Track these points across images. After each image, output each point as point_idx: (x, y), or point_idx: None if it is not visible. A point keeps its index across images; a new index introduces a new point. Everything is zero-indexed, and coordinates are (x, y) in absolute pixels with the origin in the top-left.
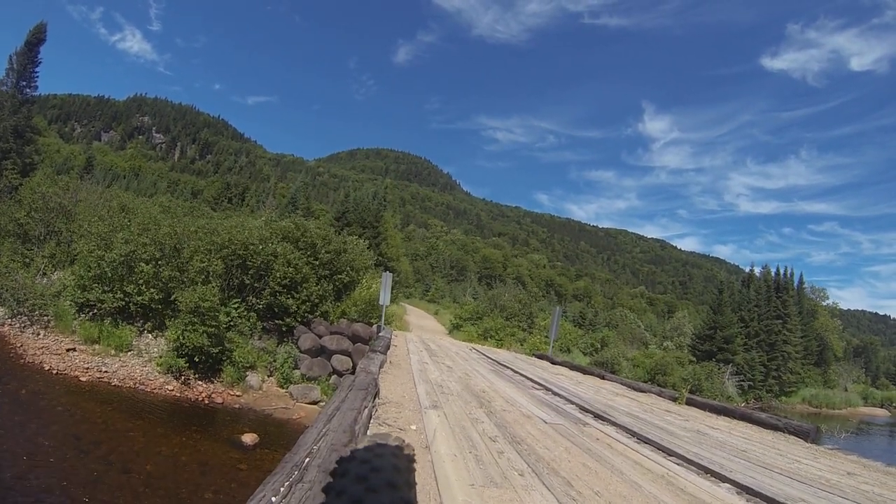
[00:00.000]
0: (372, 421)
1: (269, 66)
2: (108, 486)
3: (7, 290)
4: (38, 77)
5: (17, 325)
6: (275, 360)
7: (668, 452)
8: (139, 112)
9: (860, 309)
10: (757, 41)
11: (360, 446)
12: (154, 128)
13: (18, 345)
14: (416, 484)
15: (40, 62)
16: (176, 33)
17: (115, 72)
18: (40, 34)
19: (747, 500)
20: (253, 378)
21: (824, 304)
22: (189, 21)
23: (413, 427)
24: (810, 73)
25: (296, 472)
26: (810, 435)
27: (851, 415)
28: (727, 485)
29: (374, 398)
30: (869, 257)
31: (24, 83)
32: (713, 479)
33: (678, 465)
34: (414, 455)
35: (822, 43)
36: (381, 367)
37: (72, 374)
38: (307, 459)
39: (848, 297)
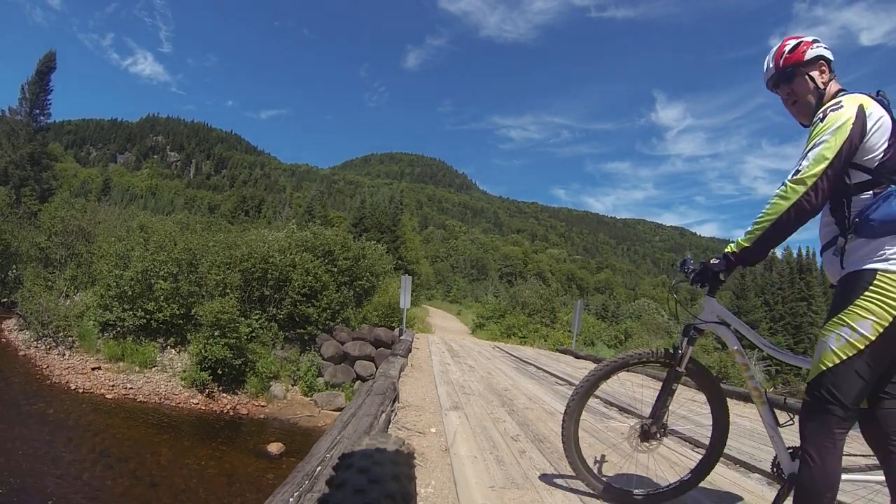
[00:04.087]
0: (391, 425)
1: (280, 80)
2: (136, 500)
3: (32, 313)
4: (50, 105)
5: (43, 346)
6: (298, 369)
7: (696, 444)
8: (153, 132)
9: None
10: (765, 22)
11: (363, 444)
12: (168, 146)
13: (45, 366)
14: (415, 477)
15: (51, 90)
16: (187, 54)
17: (129, 95)
18: (50, 63)
19: None
20: (277, 388)
21: None
22: (199, 41)
23: (433, 430)
24: None
25: (306, 482)
26: None
27: None
28: (757, 475)
29: (394, 402)
30: None
31: (38, 111)
32: (742, 469)
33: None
34: (413, 451)
35: (831, 19)
36: (401, 370)
37: (98, 392)
38: (318, 468)
39: None
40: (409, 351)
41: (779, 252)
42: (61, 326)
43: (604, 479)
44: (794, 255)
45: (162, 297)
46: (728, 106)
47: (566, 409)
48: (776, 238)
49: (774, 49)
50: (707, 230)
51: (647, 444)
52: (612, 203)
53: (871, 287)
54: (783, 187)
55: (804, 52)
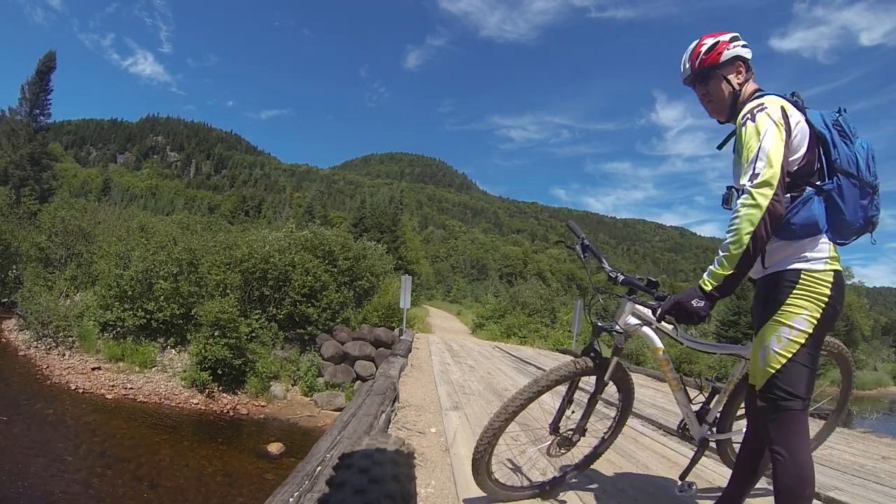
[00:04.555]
0: (391, 425)
1: (281, 80)
2: (136, 500)
3: (32, 313)
4: (50, 104)
5: (43, 347)
6: (298, 369)
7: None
8: (153, 132)
9: (886, 286)
10: (765, 23)
11: (363, 444)
12: (168, 146)
13: (45, 366)
14: (416, 477)
15: (51, 90)
16: (187, 54)
17: (129, 95)
18: (50, 63)
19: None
20: (277, 388)
21: (849, 282)
22: (200, 41)
23: (433, 430)
24: (820, 51)
25: (306, 482)
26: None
27: (882, 395)
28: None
29: (394, 402)
30: (892, 233)
31: (38, 111)
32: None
33: (705, 456)
34: (413, 451)
35: (830, 20)
36: (401, 370)
37: (98, 392)
38: (318, 468)
39: (873, 275)
40: (409, 351)
41: None
42: (61, 326)
43: (526, 482)
44: None
45: (162, 297)
46: None
47: (478, 445)
48: (756, 253)
49: (691, 48)
50: (707, 230)
51: (564, 450)
52: (612, 203)
53: (797, 286)
54: (747, 196)
55: (721, 52)
